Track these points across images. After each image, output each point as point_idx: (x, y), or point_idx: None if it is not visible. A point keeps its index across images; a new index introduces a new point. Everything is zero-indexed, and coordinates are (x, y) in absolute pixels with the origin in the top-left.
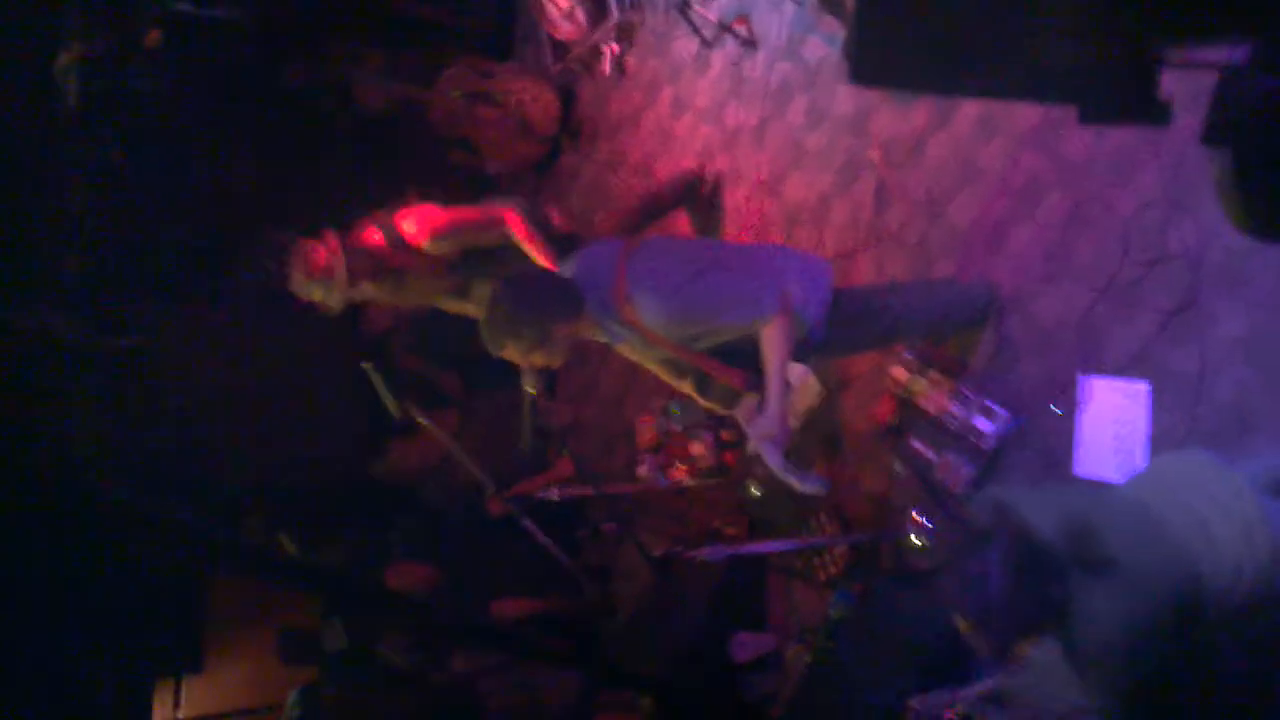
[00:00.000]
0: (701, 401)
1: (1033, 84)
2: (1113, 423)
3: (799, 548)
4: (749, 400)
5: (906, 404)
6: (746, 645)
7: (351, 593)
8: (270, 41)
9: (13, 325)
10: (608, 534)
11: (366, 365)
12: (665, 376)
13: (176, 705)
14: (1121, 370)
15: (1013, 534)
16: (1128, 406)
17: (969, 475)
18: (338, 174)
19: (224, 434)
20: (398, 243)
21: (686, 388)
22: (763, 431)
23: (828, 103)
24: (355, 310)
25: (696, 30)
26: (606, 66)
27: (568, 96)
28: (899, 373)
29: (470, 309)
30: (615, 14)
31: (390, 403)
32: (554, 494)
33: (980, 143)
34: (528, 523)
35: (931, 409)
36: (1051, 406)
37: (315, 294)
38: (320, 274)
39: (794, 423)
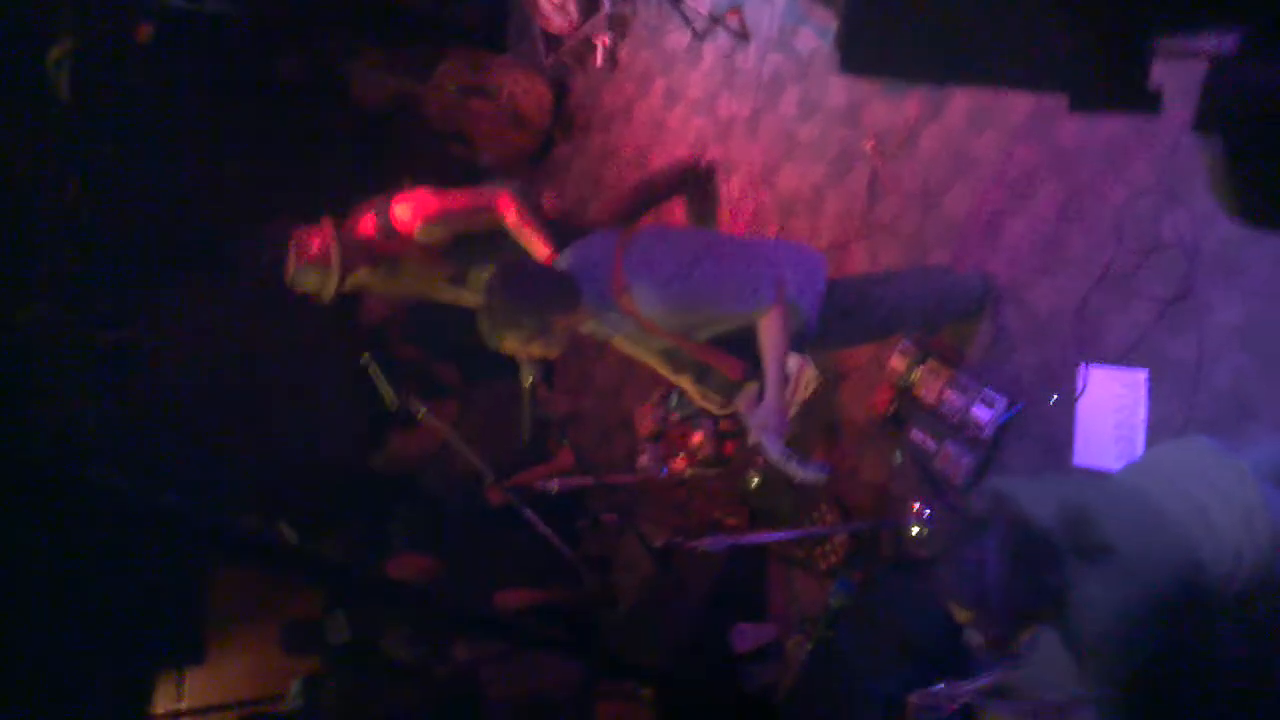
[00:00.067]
0: (699, 400)
1: (1024, 73)
2: (1112, 412)
3: (799, 537)
4: (748, 390)
5: (904, 394)
6: (747, 635)
7: (353, 584)
8: (264, 35)
9: (9, 319)
10: (608, 524)
11: (365, 356)
12: (663, 370)
13: (179, 696)
14: (1120, 359)
15: (1009, 522)
16: (1126, 395)
17: (969, 465)
18: (332, 168)
19: (223, 425)
20: (391, 230)
21: (684, 382)
22: (761, 421)
23: (820, 94)
24: (353, 301)
25: (688, 22)
26: (599, 59)
27: (560, 89)
28: (897, 362)
29: (466, 297)
30: (607, 6)
31: (389, 393)
32: (554, 485)
33: (973, 134)
34: (528, 513)
35: (930, 399)
36: (1050, 395)
37: (310, 283)
38: (315, 262)
39: (792, 412)
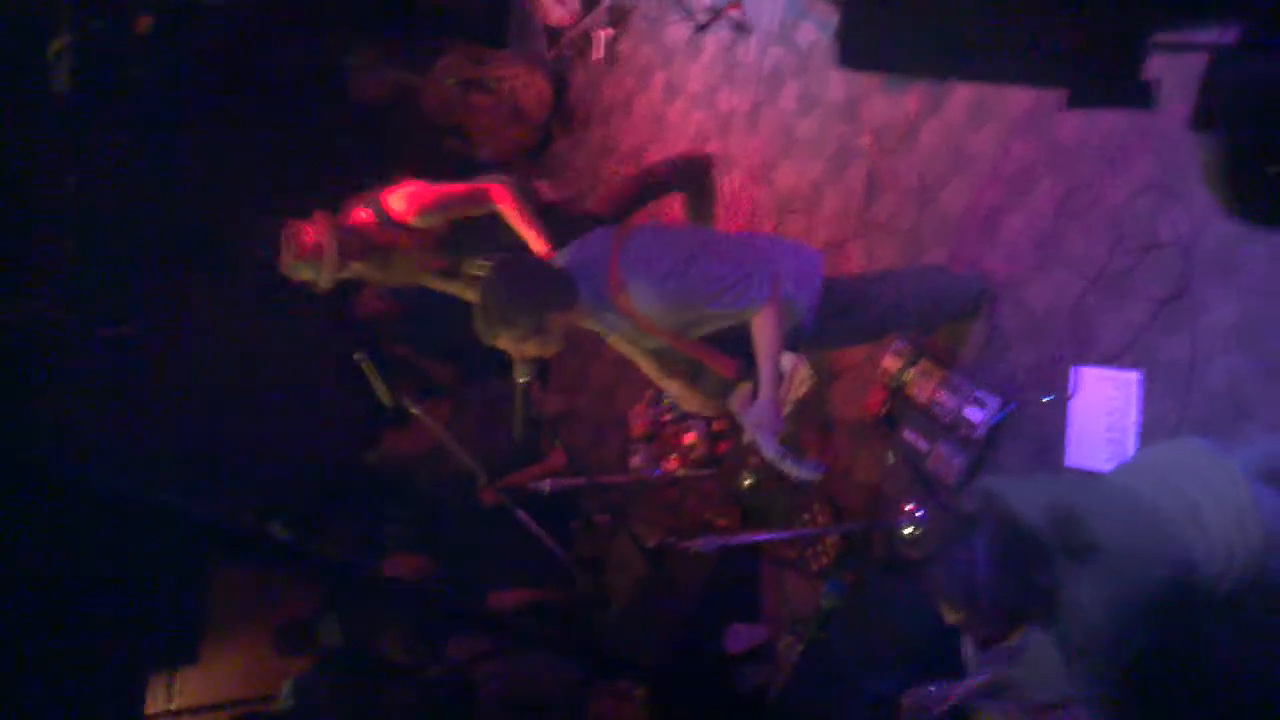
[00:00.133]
0: (691, 403)
1: (1022, 68)
2: (1105, 412)
3: (791, 538)
4: (742, 389)
5: (897, 394)
6: (739, 636)
7: (348, 585)
8: (264, 28)
9: (8, 315)
10: (601, 525)
11: (359, 355)
12: (654, 374)
13: (170, 696)
14: (1113, 359)
15: (998, 521)
16: (1119, 395)
17: (961, 465)
18: (331, 161)
19: (218, 424)
20: (385, 220)
21: (675, 386)
22: (756, 419)
23: (820, 88)
24: (346, 296)
25: (689, 15)
26: (599, 52)
27: (560, 82)
28: (890, 363)
29: (460, 288)
30: None
31: (382, 392)
32: (546, 486)
33: (971, 130)
34: (521, 513)
35: (922, 399)
36: (1042, 396)
37: (304, 274)
38: (309, 254)
39: (786, 410)
